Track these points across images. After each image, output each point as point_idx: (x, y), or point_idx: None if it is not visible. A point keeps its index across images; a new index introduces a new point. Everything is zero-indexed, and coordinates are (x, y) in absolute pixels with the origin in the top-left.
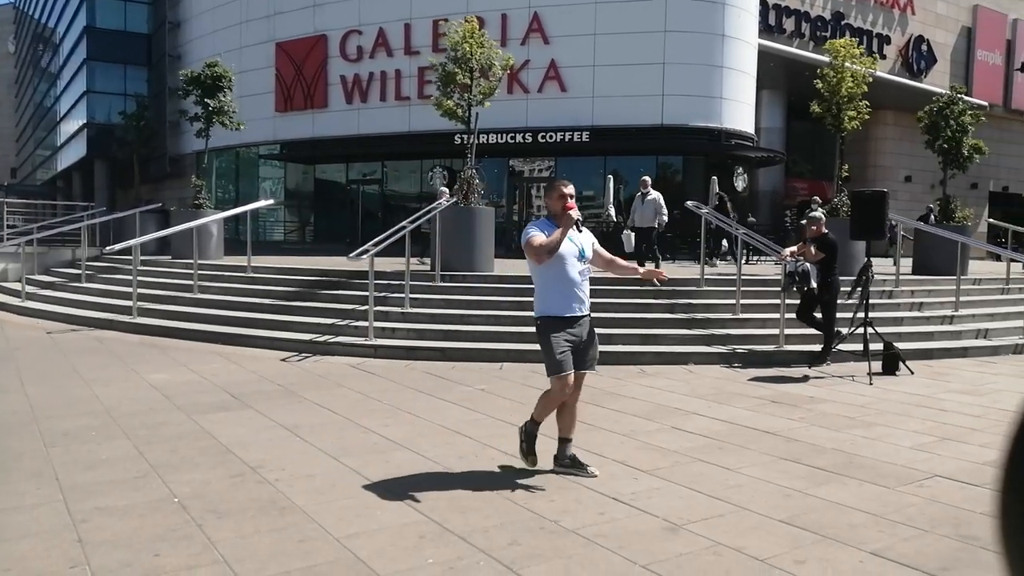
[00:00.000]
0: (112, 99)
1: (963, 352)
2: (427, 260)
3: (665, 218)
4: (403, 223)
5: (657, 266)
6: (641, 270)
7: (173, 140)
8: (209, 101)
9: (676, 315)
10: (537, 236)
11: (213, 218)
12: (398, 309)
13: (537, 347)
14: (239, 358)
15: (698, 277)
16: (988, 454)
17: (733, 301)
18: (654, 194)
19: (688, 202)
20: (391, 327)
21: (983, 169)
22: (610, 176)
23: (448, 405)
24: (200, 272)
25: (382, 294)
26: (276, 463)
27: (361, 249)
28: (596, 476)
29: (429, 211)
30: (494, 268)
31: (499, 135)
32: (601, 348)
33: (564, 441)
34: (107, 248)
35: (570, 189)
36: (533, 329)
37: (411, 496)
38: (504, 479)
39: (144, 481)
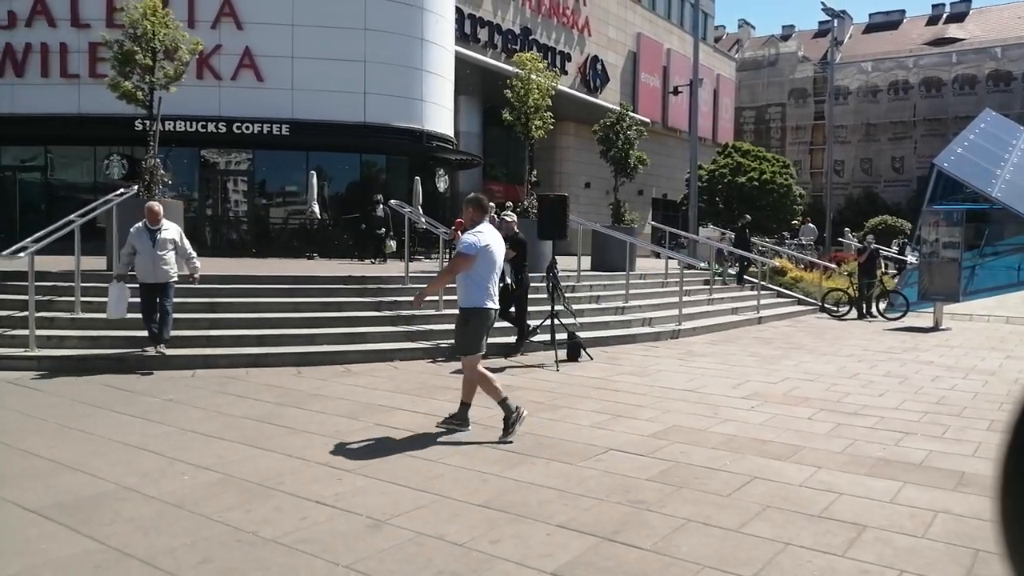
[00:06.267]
0: None
1: (632, 339)
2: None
3: (198, 264)
4: (71, 216)
5: (160, 339)
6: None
7: None
8: None
9: (382, 313)
10: None
11: None
12: (67, 314)
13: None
14: None
15: (403, 275)
16: (652, 427)
17: (436, 298)
18: (172, 230)
19: (392, 200)
20: (59, 335)
21: (647, 178)
22: (313, 172)
23: (130, 419)
24: None
25: (47, 298)
26: None
27: (18, 246)
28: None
29: (104, 203)
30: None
31: (189, 123)
32: (305, 349)
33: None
34: None
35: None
36: (231, 332)
37: (84, 523)
38: (196, 494)
39: None
